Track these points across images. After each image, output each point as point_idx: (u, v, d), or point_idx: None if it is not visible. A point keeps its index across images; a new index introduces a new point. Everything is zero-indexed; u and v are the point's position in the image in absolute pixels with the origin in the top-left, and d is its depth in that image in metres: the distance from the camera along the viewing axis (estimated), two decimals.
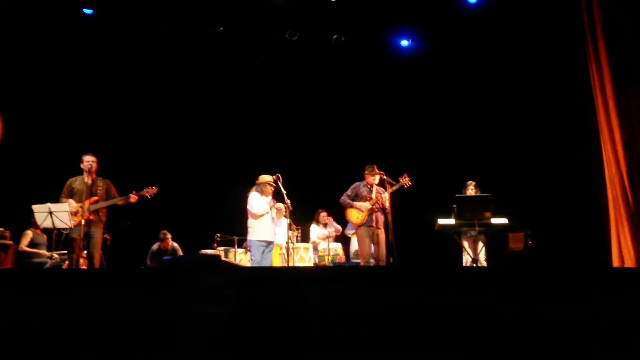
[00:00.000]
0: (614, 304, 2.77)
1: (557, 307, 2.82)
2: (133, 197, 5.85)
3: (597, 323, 2.74)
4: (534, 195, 8.09)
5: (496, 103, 8.75)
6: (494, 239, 6.65)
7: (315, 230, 8.46)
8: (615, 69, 5.58)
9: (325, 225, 8.43)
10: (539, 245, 7.41)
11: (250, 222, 6.42)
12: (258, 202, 6.37)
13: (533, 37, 7.78)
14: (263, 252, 6.32)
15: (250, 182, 6.62)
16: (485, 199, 6.18)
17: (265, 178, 6.46)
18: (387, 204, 6.32)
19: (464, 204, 6.19)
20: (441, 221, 6.28)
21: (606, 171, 5.74)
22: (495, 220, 6.12)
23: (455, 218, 6.21)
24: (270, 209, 6.38)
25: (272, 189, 6.47)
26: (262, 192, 6.43)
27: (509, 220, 6.31)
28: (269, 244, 6.38)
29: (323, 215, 8.45)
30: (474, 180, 6.96)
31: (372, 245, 6.39)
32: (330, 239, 8.15)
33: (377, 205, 6.41)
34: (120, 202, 5.85)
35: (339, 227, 8.41)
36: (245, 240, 6.98)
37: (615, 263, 5.49)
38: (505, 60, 8.33)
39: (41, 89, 8.28)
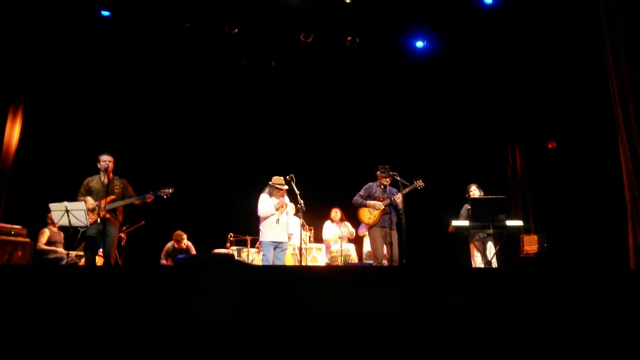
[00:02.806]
0: (631, 306, 2.73)
1: (572, 310, 2.79)
2: (149, 197, 5.92)
3: (614, 325, 2.70)
4: (549, 197, 8.01)
5: (511, 104, 8.68)
6: (509, 242, 6.60)
7: (329, 228, 8.42)
8: (634, 66, 5.49)
9: (339, 222, 8.42)
10: (554, 247, 7.34)
11: (261, 222, 6.46)
12: (264, 203, 6.40)
13: (549, 36, 7.70)
14: (274, 252, 6.34)
15: (263, 183, 6.65)
16: (501, 201, 6.13)
17: (276, 180, 6.47)
18: (400, 205, 6.30)
19: (479, 206, 6.15)
20: (455, 223, 6.24)
21: (624, 172, 5.66)
22: (510, 223, 6.07)
23: (470, 220, 6.17)
24: (277, 210, 6.37)
25: (283, 192, 6.47)
26: (271, 194, 6.45)
27: (523, 222, 6.27)
28: (279, 244, 6.39)
29: (335, 211, 8.43)
30: (484, 183, 6.94)
31: (384, 246, 6.37)
32: (344, 240, 8.14)
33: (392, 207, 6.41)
34: (136, 202, 5.91)
35: (353, 232, 8.38)
36: (258, 240, 7.02)
37: (633, 265, 5.41)
38: (521, 60, 8.28)
39: (59, 90, 8.42)
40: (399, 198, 6.31)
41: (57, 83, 8.38)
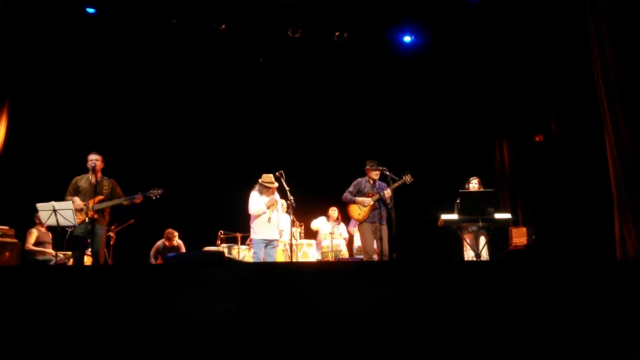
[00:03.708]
0: (616, 297, 2.77)
1: (560, 301, 2.82)
2: (138, 198, 5.89)
3: (601, 316, 2.74)
4: (537, 190, 8.09)
5: (499, 97, 8.74)
6: (497, 234, 6.65)
7: (324, 224, 8.43)
8: (620, 61, 5.54)
9: (335, 221, 8.44)
10: (542, 240, 7.41)
11: (252, 220, 6.45)
12: (255, 202, 6.39)
13: (537, 30, 7.74)
14: (264, 250, 6.33)
15: (253, 180, 6.63)
16: (489, 195, 6.18)
17: (265, 178, 6.46)
18: (389, 200, 6.33)
19: (467, 200, 6.19)
20: (444, 217, 6.28)
21: (610, 165, 5.71)
22: (498, 216, 6.12)
23: (459, 214, 6.21)
24: (268, 208, 6.36)
25: (273, 190, 6.46)
26: (261, 192, 6.43)
27: (512, 215, 6.32)
28: (269, 242, 6.39)
29: (333, 209, 8.44)
30: (477, 176, 6.98)
31: (375, 241, 6.39)
32: (335, 238, 8.16)
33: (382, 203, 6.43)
34: (125, 203, 5.88)
35: (347, 236, 8.40)
36: (248, 237, 7.01)
37: (619, 256, 5.48)
38: (509, 53, 8.31)
39: (46, 88, 8.31)
40: (387, 193, 6.33)
41: (44, 81, 8.26)
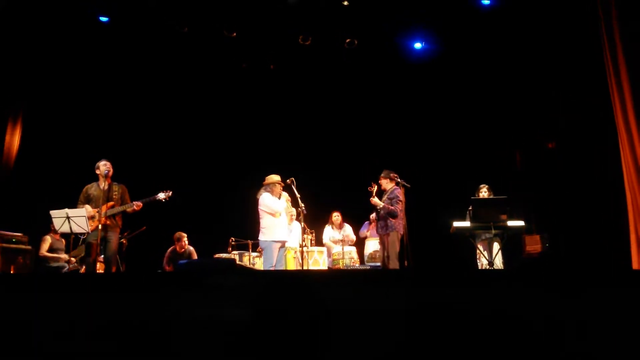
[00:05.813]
0: (633, 307, 2.72)
1: (573, 311, 2.78)
2: (137, 205, 5.92)
3: (614, 326, 2.70)
4: (550, 197, 8.00)
5: (511, 103, 8.67)
6: (510, 242, 6.59)
7: (328, 233, 8.43)
8: (633, 66, 5.49)
9: (339, 226, 8.40)
10: (556, 248, 7.32)
11: (266, 222, 6.33)
12: (272, 199, 6.35)
13: (547, 35, 7.69)
14: (277, 254, 6.28)
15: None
16: (501, 202, 6.13)
17: (273, 178, 6.46)
18: (379, 207, 6.33)
19: (479, 207, 6.15)
20: (457, 224, 6.24)
21: (624, 171, 5.65)
22: (511, 223, 6.06)
23: (471, 221, 6.16)
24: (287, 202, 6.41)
25: (281, 188, 6.48)
26: (272, 192, 6.41)
27: (525, 222, 6.26)
28: (284, 244, 6.37)
29: (336, 215, 8.42)
30: (487, 184, 6.93)
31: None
32: (345, 243, 8.11)
33: (382, 212, 6.44)
34: (129, 210, 5.93)
35: (353, 237, 8.36)
36: (259, 244, 6.99)
37: (635, 265, 5.40)
38: (520, 59, 8.26)
39: (57, 97, 8.42)
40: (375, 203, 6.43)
41: (55, 90, 8.37)
